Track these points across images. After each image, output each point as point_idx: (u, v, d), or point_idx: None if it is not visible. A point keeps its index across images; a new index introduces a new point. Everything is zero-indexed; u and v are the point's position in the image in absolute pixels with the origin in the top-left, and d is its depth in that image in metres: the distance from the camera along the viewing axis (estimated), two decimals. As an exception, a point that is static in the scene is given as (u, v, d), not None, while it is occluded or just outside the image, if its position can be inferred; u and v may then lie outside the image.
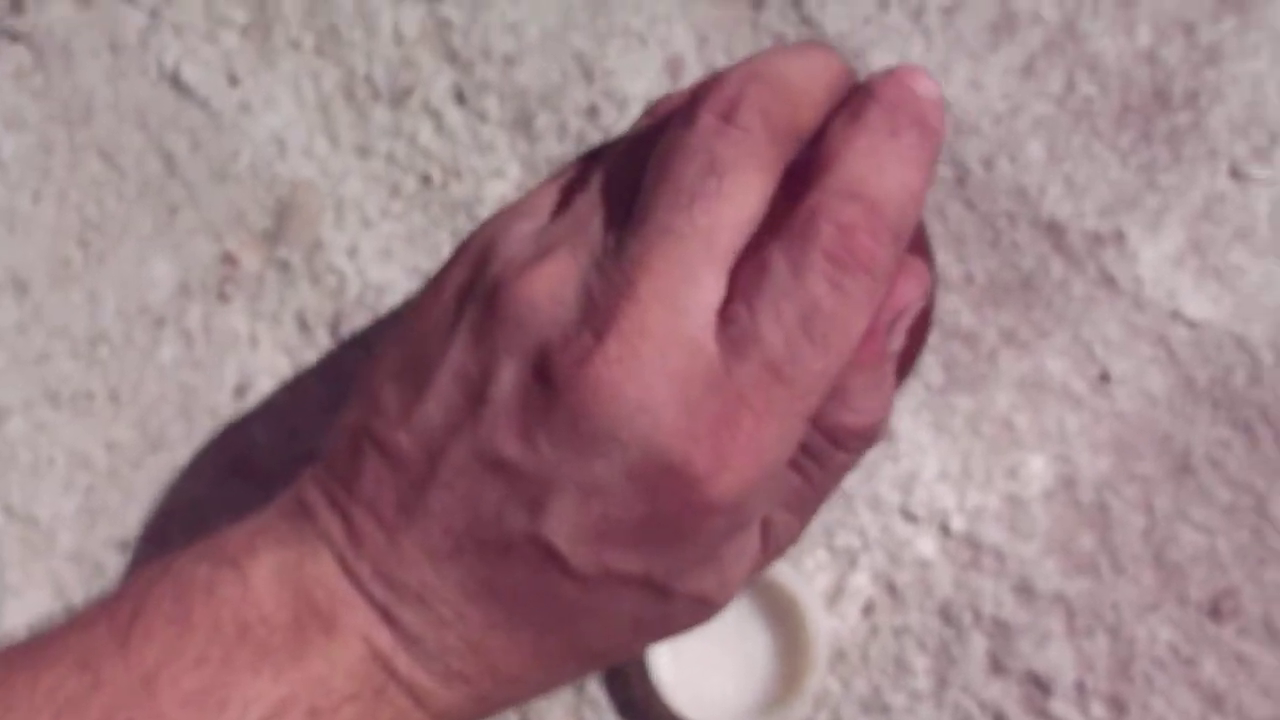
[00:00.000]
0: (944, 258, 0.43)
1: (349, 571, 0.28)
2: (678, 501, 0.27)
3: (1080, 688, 0.42)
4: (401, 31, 0.44)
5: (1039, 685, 0.42)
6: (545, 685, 0.30)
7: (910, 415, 0.42)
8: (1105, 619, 0.42)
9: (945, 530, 0.42)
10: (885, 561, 0.42)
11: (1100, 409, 0.42)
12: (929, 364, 0.42)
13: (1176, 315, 0.43)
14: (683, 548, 0.28)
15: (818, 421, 0.29)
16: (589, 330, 0.27)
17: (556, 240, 0.28)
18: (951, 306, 0.43)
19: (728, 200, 0.27)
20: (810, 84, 0.29)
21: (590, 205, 0.29)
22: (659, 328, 0.27)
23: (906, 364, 0.36)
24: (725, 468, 0.27)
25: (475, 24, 0.44)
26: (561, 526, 0.27)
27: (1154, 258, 0.43)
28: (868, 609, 0.42)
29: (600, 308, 0.27)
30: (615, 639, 0.29)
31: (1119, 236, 0.43)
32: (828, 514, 0.42)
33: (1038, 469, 0.42)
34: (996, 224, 0.43)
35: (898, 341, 0.30)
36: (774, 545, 0.31)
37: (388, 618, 0.28)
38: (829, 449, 0.30)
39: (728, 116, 0.28)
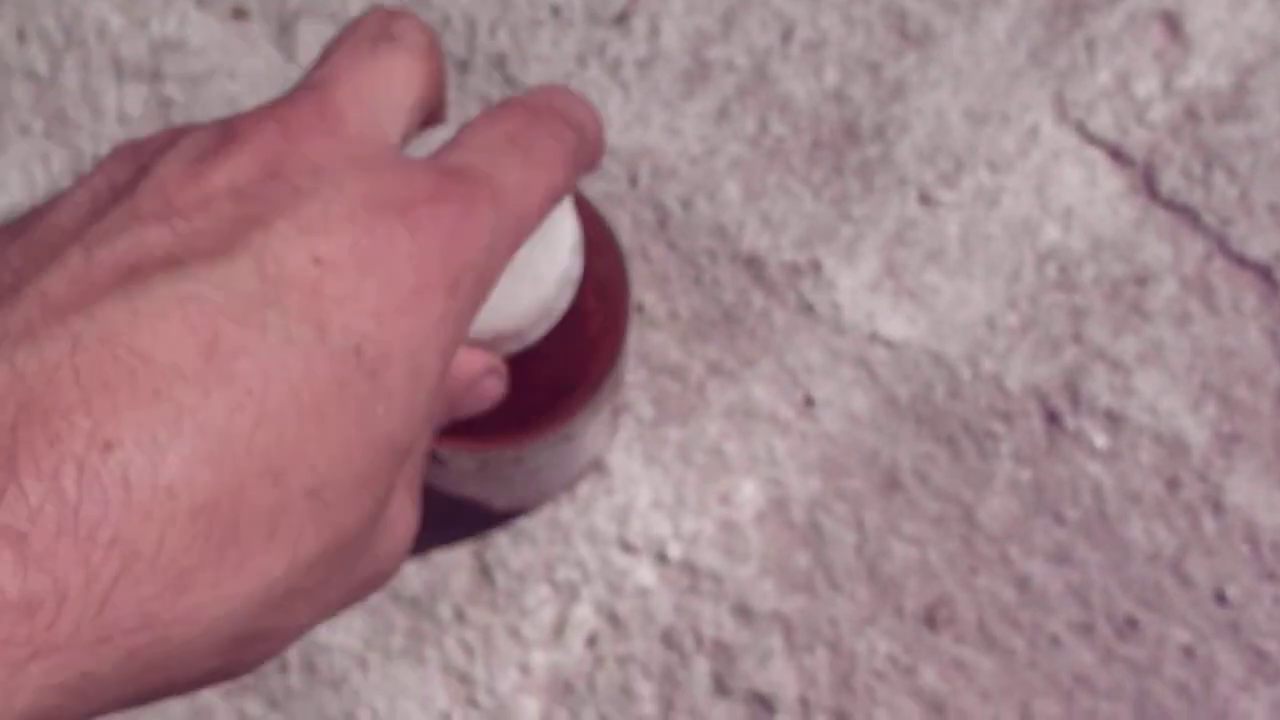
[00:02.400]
0: (649, 297, 0.44)
1: None
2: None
3: (804, 703, 0.42)
4: (126, 111, 0.46)
5: (763, 704, 0.42)
6: None
7: (623, 449, 0.44)
8: (824, 634, 0.43)
9: (663, 558, 0.43)
10: (606, 592, 0.43)
11: (807, 431, 0.44)
12: (639, 399, 0.44)
13: (875, 337, 0.44)
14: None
15: None
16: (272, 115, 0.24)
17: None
18: (659, 343, 0.44)
19: (402, 49, 0.26)
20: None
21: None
22: (353, 113, 0.25)
23: (598, 382, 0.36)
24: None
25: (196, 101, 0.46)
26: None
27: (851, 284, 0.45)
28: (591, 640, 0.43)
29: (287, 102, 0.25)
30: None
31: (816, 266, 0.45)
32: (547, 548, 0.43)
33: (750, 493, 0.43)
34: (698, 261, 0.45)
35: None
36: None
37: None
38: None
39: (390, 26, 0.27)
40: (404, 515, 0.25)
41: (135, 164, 0.23)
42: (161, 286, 0.20)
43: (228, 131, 0.23)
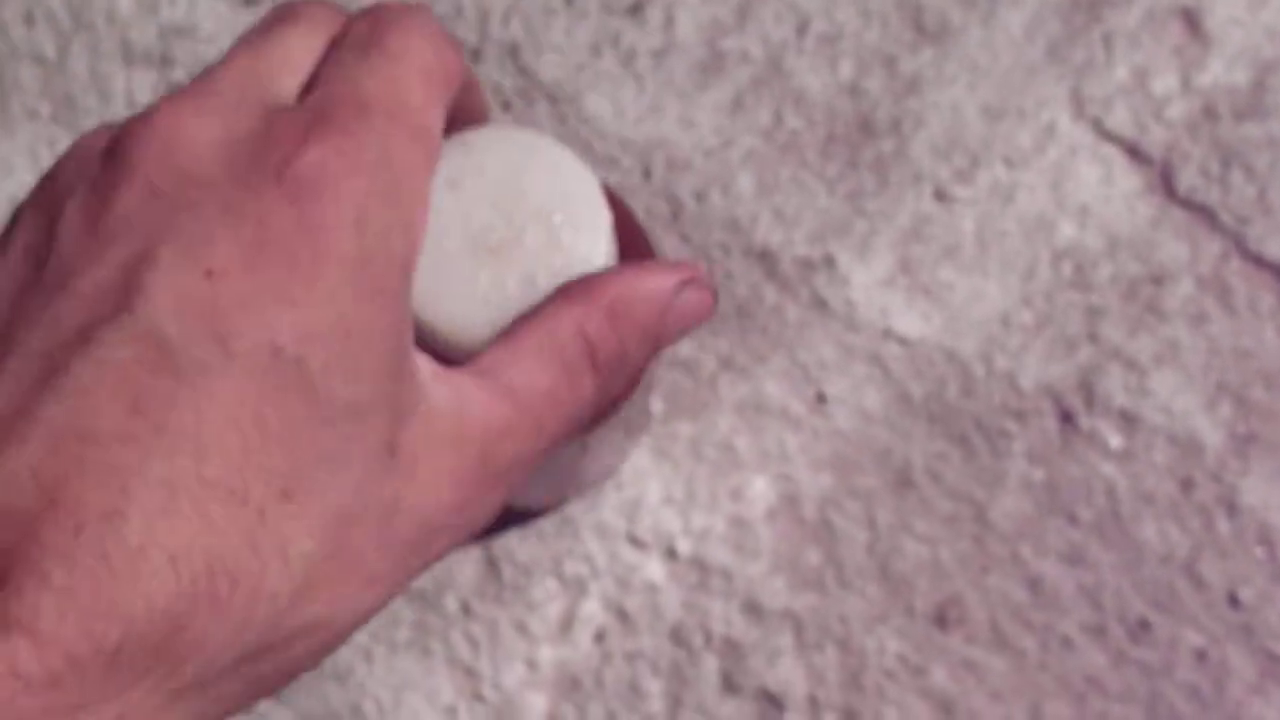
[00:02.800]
0: (662, 288, 0.44)
1: None
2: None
3: (813, 702, 0.42)
4: (134, 97, 0.46)
5: (772, 701, 0.42)
6: None
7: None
8: (834, 632, 0.42)
9: (672, 554, 0.43)
10: (615, 588, 0.43)
11: (819, 428, 0.43)
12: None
13: (889, 334, 0.44)
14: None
15: None
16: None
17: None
18: (670, 335, 0.44)
19: (302, 21, 0.26)
20: None
21: None
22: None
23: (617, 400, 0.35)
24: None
25: (205, 87, 0.46)
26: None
27: (865, 280, 0.44)
28: (599, 636, 0.43)
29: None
30: None
31: (829, 261, 0.44)
32: (555, 543, 0.43)
33: (761, 489, 0.43)
34: (711, 255, 0.44)
35: None
36: None
37: None
38: None
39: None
40: (428, 466, 0.24)
41: (47, 216, 0.23)
42: (80, 365, 0.21)
43: (113, 156, 0.23)
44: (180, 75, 0.46)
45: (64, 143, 0.46)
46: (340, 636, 0.24)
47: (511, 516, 0.43)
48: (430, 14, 0.27)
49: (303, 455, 0.21)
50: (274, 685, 0.23)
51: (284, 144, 0.23)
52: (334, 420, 0.22)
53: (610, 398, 0.27)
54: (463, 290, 0.27)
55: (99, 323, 0.21)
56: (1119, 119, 0.45)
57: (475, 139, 0.28)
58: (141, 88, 0.46)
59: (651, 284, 0.27)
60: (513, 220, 0.27)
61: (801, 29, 0.46)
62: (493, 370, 0.25)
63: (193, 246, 0.22)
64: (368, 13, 0.27)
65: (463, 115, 0.28)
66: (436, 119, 0.26)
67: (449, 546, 0.25)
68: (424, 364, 0.24)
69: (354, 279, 0.23)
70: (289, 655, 0.23)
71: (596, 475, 0.42)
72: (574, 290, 0.26)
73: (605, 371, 0.26)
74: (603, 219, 0.28)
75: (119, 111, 0.46)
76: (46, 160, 0.46)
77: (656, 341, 0.27)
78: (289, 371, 0.22)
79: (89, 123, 0.46)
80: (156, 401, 0.21)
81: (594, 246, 0.27)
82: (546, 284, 0.27)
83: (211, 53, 0.46)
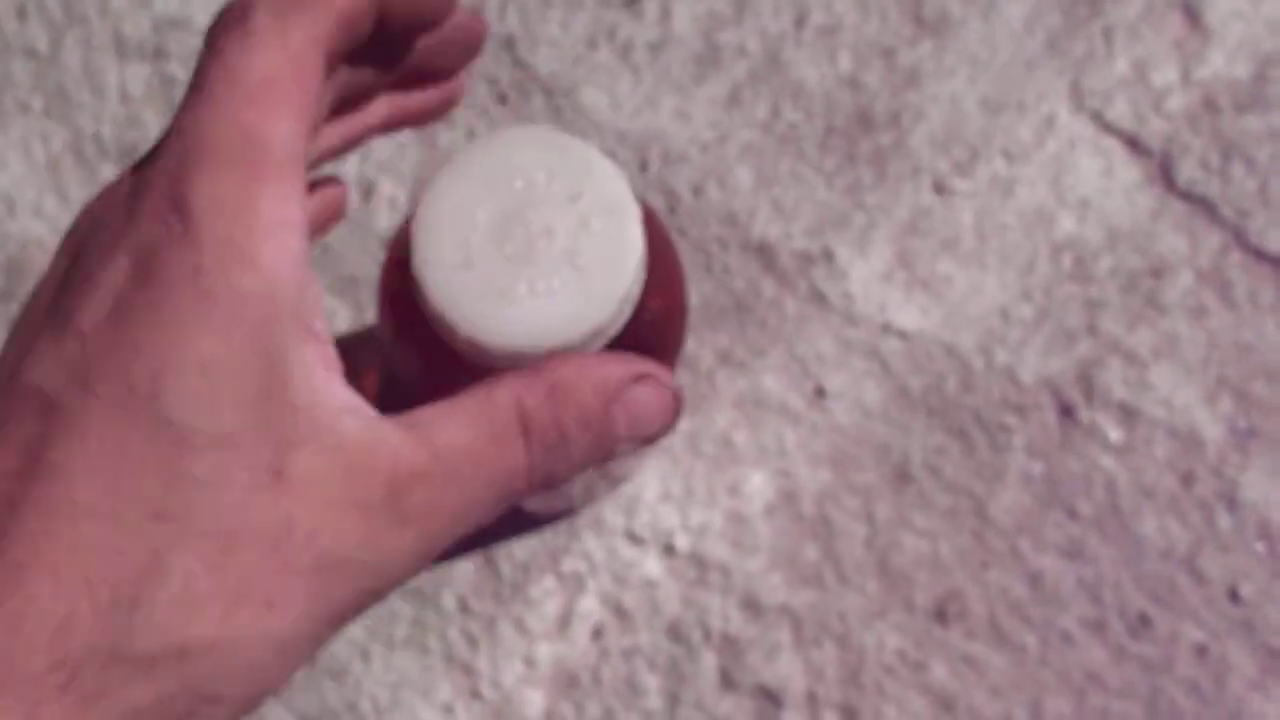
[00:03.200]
0: (659, 283, 0.44)
1: None
2: None
3: (812, 698, 0.42)
4: (128, 90, 0.46)
5: (770, 698, 0.42)
6: None
7: (631, 437, 0.43)
8: (833, 628, 0.42)
9: (670, 550, 0.43)
10: (612, 584, 0.42)
11: (818, 423, 0.43)
12: (648, 386, 0.43)
13: (888, 328, 0.44)
14: None
15: None
16: None
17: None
18: (668, 329, 0.44)
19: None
20: None
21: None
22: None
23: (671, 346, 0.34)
24: None
25: (199, 81, 0.45)
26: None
27: (863, 273, 0.44)
28: (597, 632, 0.42)
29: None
30: None
31: (828, 255, 0.44)
32: (552, 540, 0.43)
33: (759, 485, 0.43)
34: (709, 249, 0.44)
35: None
36: None
37: None
38: None
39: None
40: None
41: (62, 273, 0.26)
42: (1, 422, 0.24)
43: (117, 237, 0.25)
44: (174, 68, 0.46)
45: (58, 137, 0.45)
46: (257, 668, 0.24)
47: (523, 521, 0.43)
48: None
49: (173, 480, 0.23)
50: (193, 710, 0.24)
51: (122, 220, 0.25)
52: (201, 448, 0.23)
53: (551, 475, 0.27)
54: (491, 293, 0.26)
55: (5, 387, 0.24)
56: (1119, 111, 0.45)
57: (502, 138, 0.27)
58: (135, 81, 0.46)
59: (601, 371, 0.27)
60: (541, 219, 0.27)
61: (800, 21, 0.45)
62: (421, 422, 0.26)
63: (70, 316, 0.24)
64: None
65: (408, 15, 0.28)
66: (284, 136, 0.25)
67: (370, 587, 0.25)
68: (336, 398, 0.25)
69: (203, 321, 0.24)
70: (195, 675, 0.23)
71: (607, 486, 0.42)
72: (525, 368, 0.27)
73: (539, 446, 0.26)
74: (633, 215, 0.27)
75: (113, 105, 0.45)
76: (39, 154, 0.45)
77: (600, 429, 0.27)
78: (144, 407, 0.23)
79: (82, 117, 0.45)
80: (40, 443, 0.23)
81: (624, 245, 0.27)
82: (574, 284, 0.26)
83: (205, 46, 0.46)
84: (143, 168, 0.26)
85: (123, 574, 0.23)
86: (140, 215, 0.25)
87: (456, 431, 0.26)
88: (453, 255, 0.26)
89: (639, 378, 0.27)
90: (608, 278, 0.27)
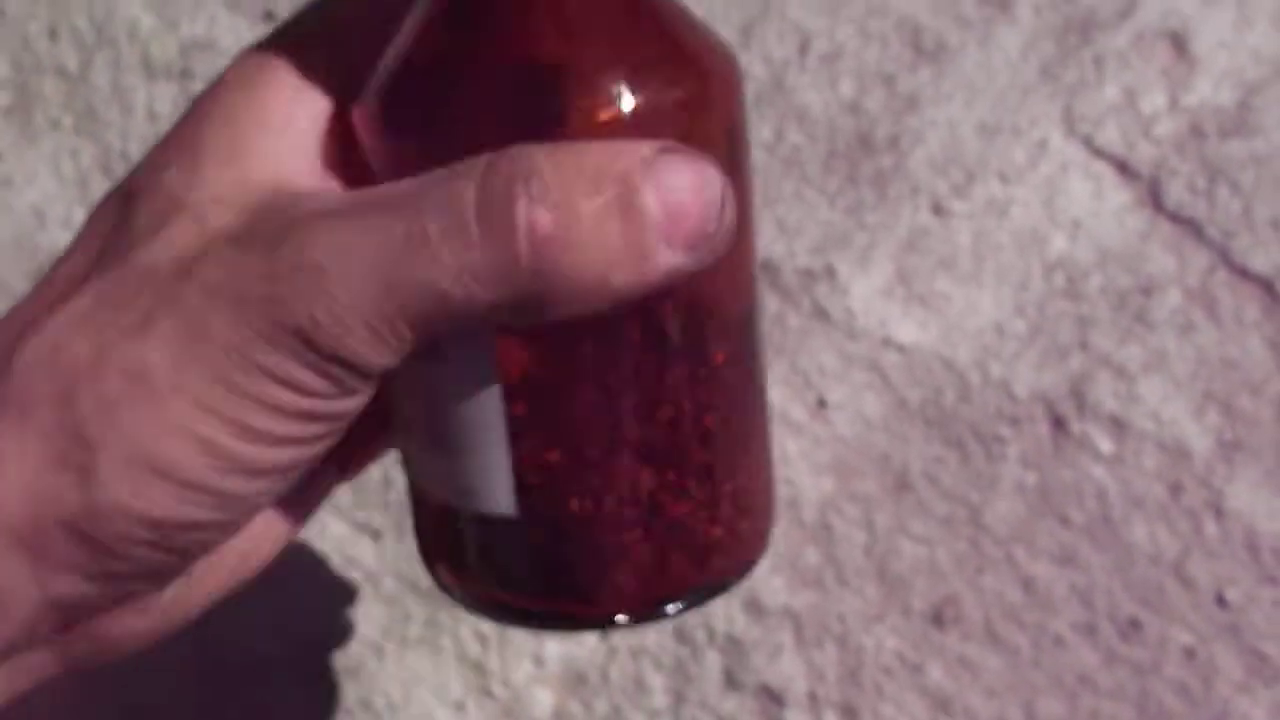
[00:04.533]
0: (667, 297, 0.45)
1: None
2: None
3: (813, 698, 0.43)
4: (155, 109, 0.47)
5: (773, 697, 0.43)
6: None
7: (639, 445, 0.45)
8: (833, 631, 0.44)
9: (677, 553, 0.44)
10: (621, 586, 0.44)
11: (820, 434, 0.45)
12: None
13: (887, 342, 0.45)
14: None
15: None
16: None
17: None
18: (675, 342, 0.45)
19: None
20: None
21: None
22: None
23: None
24: None
25: (225, 100, 0.47)
26: None
27: (864, 290, 0.46)
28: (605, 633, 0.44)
29: None
30: None
31: (830, 272, 0.46)
32: (563, 542, 0.44)
33: (763, 491, 0.44)
34: (715, 264, 0.46)
35: None
36: None
37: None
38: None
39: None
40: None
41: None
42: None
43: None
44: (199, 88, 0.47)
45: (86, 153, 0.47)
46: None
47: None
48: None
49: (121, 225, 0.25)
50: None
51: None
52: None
53: (552, 276, 0.21)
54: None
55: None
56: (1109, 136, 0.46)
57: None
58: (162, 100, 0.47)
59: (618, 143, 0.21)
60: None
61: (804, 48, 0.47)
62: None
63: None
64: None
65: None
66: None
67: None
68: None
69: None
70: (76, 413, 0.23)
71: None
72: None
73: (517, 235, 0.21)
74: None
75: (140, 124, 0.47)
76: (69, 170, 0.47)
77: (626, 202, 0.21)
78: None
79: (110, 134, 0.47)
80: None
81: None
82: None
83: (231, 67, 0.47)
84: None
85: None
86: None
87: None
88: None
89: (665, 149, 0.21)
90: None
